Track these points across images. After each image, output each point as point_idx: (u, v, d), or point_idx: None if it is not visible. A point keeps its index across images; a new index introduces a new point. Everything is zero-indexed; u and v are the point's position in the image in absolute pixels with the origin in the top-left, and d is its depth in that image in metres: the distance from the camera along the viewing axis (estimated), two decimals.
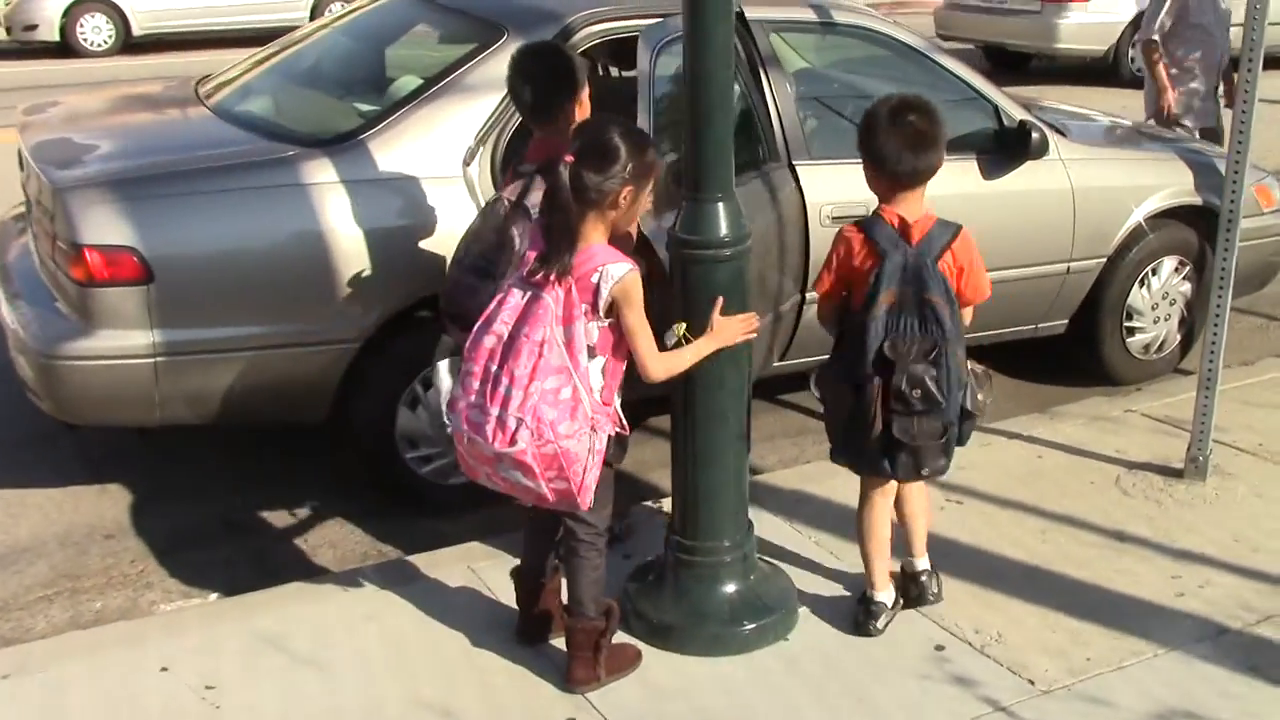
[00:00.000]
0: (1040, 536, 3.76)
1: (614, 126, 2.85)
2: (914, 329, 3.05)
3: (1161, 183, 5.15)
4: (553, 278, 2.74)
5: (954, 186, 4.62)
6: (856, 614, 3.31)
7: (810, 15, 4.59)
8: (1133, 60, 12.56)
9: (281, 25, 13.01)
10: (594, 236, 2.79)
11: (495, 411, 2.73)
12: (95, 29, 16.45)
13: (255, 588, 3.58)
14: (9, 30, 16.91)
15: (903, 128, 3.10)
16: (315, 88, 4.41)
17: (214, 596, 3.73)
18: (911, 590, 3.40)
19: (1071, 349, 5.36)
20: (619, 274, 2.73)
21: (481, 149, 3.99)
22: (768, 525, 3.79)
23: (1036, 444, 4.42)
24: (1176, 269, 5.33)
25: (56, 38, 16.31)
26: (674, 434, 3.21)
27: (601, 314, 2.77)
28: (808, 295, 4.44)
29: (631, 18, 4.21)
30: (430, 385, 4.03)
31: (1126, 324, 5.28)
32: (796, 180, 4.37)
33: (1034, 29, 12.48)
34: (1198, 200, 5.23)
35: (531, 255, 2.81)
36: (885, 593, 3.30)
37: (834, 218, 4.43)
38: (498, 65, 4.00)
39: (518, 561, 3.24)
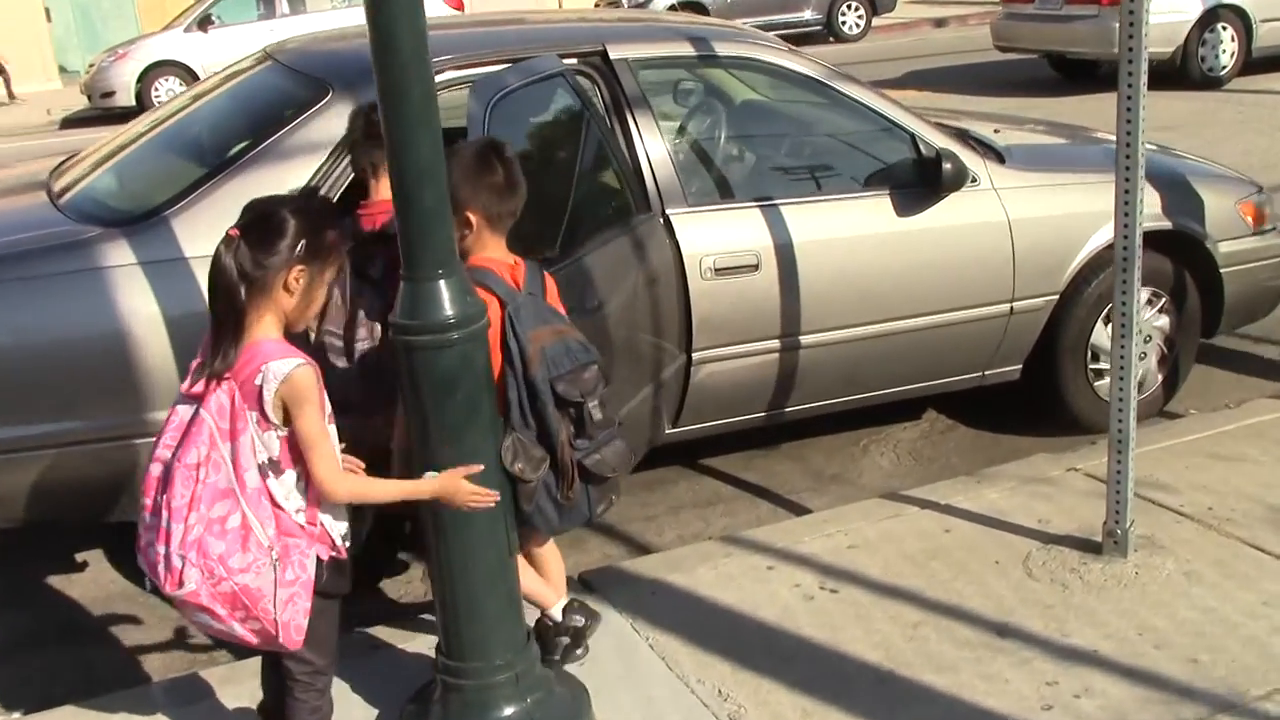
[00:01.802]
0: (910, 633, 3.27)
1: (288, 201, 2.52)
2: None
3: None
4: (212, 384, 2.41)
5: (865, 226, 4.21)
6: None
7: (687, 49, 4.18)
8: (1203, 60, 11.75)
9: None
10: (262, 330, 2.45)
11: (162, 549, 2.41)
12: (169, 91, 16.78)
13: (69, 701, 3.31)
14: (89, 97, 17.39)
15: (493, 173, 2.80)
16: (158, 162, 4.16)
17: (16, 715, 3.48)
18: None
19: (1034, 396, 4.82)
20: (283, 371, 2.38)
21: None
22: (608, 624, 3.39)
23: (951, 514, 3.91)
24: (1149, 302, 4.75)
25: (133, 102, 16.69)
26: (427, 539, 2.84)
27: (277, 421, 2.42)
28: (694, 356, 4.04)
29: (474, 65, 3.87)
30: None
31: (1092, 366, 4.72)
32: (672, 232, 3.97)
33: (1094, 34, 11.74)
34: (1166, 225, 4.65)
35: (195, 363, 2.49)
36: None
37: (718, 269, 4.01)
38: (321, 126, 3.74)
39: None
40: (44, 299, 3.50)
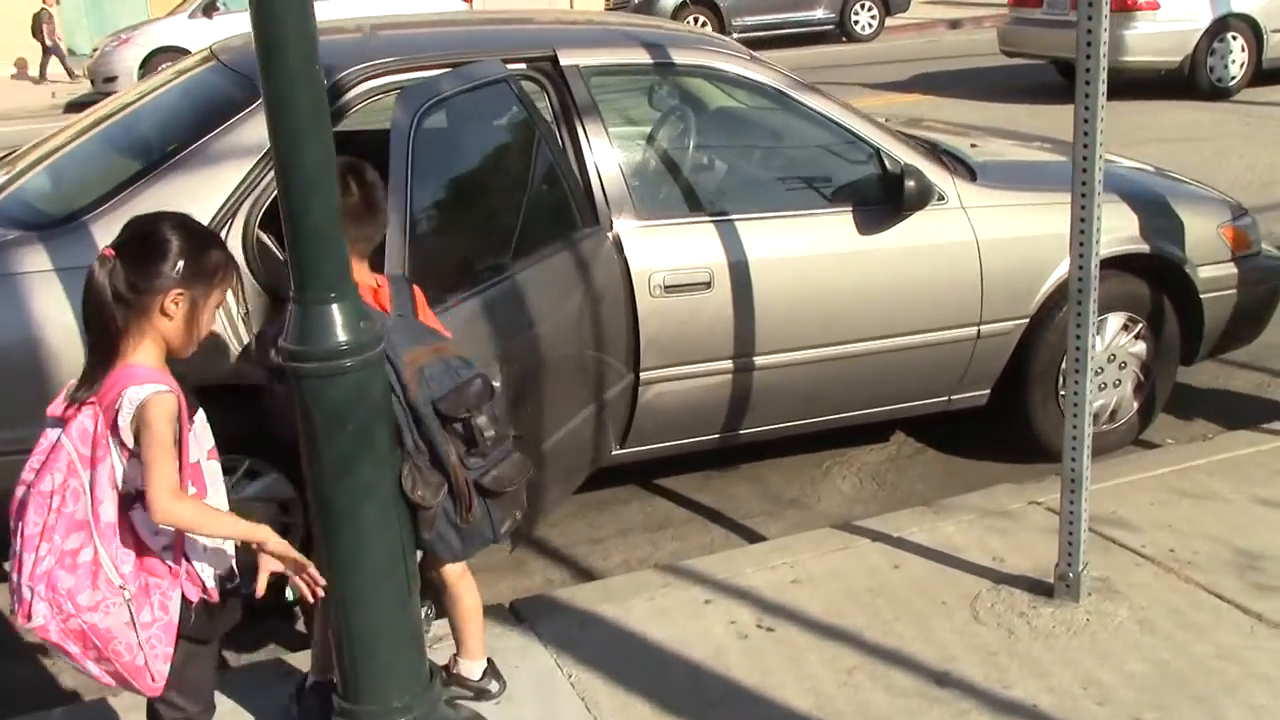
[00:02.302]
0: (844, 679, 3.11)
1: (170, 218, 2.38)
2: None
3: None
4: (78, 409, 2.27)
5: (825, 244, 4.05)
6: None
7: (642, 57, 4.02)
8: (1211, 70, 11.52)
9: None
10: (138, 355, 2.30)
11: (14, 578, 2.27)
12: None
13: None
14: (93, 82, 17.29)
15: (349, 195, 2.66)
16: (89, 163, 4.01)
17: None
18: None
19: (1002, 423, 4.65)
20: (140, 397, 2.23)
21: (230, 222, 3.53)
22: (531, 659, 3.25)
23: (903, 548, 3.75)
24: (1125, 327, 4.58)
25: None
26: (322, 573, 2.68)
27: (134, 449, 2.27)
28: (642, 375, 3.88)
29: (413, 69, 3.71)
30: None
31: (1064, 392, 4.53)
32: (620, 247, 3.81)
33: None
34: (1143, 247, 4.48)
35: (70, 384, 2.34)
36: None
37: (668, 287, 3.85)
38: (251, 130, 3.59)
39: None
40: None
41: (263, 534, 2.38)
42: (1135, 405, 4.71)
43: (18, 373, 3.34)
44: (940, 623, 3.34)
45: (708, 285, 3.93)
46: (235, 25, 16.51)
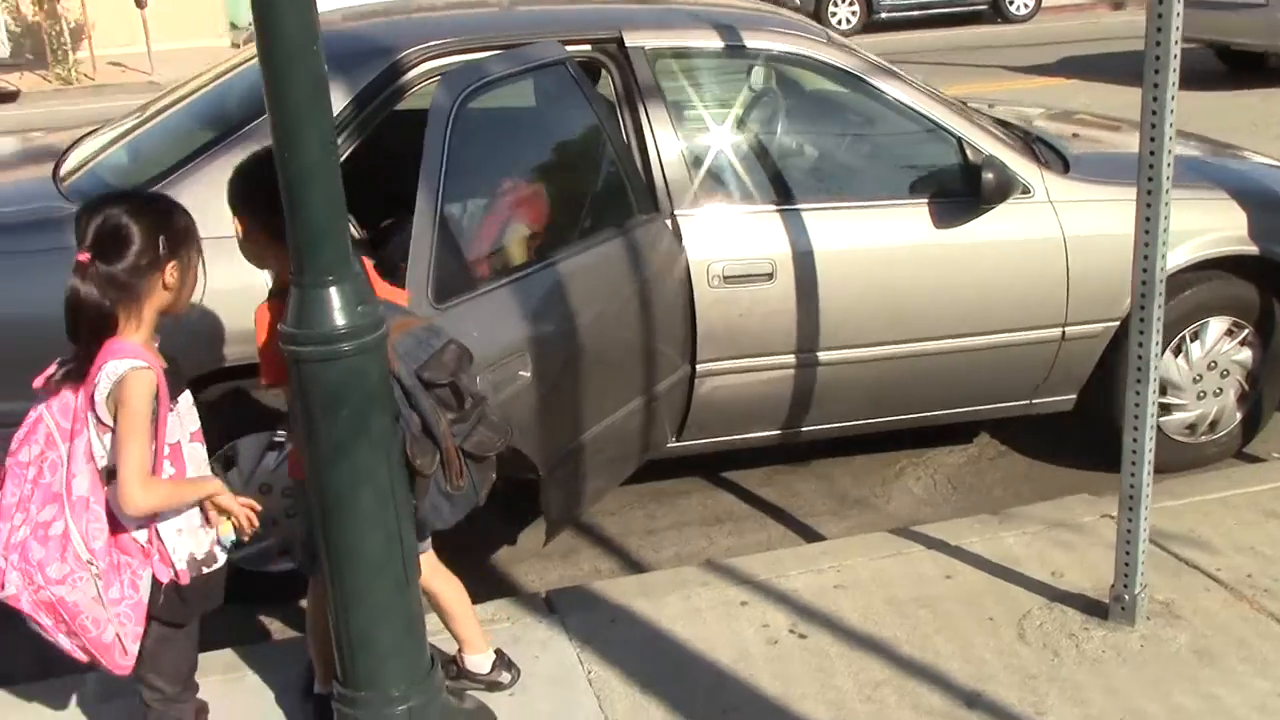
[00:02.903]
0: (869, 694, 2.98)
1: (121, 202, 2.37)
2: None
3: (1200, 227, 4.14)
4: (60, 384, 2.30)
5: (897, 236, 3.91)
6: None
7: (711, 39, 3.90)
8: None
9: None
10: (126, 331, 2.32)
11: None
12: None
13: None
14: None
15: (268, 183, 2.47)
16: (161, 140, 4.06)
17: None
18: None
19: (1090, 429, 4.41)
20: (118, 372, 2.25)
21: None
22: (554, 651, 3.21)
23: (958, 557, 3.58)
24: (1229, 332, 4.29)
25: None
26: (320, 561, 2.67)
27: (110, 423, 2.28)
28: (699, 367, 3.79)
29: (474, 50, 3.66)
30: (232, 464, 3.64)
31: (1159, 399, 4.27)
32: (679, 236, 3.72)
33: (1260, 25, 10.91)
34: (1251, 249, 4.19)
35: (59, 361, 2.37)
36: None
37: (727, 277, 3.75)
38: None
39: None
40: (16, 275, 3.44)
41: (211, 486, 2.38)
42: (1238, 416, 4.42)
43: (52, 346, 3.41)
44: (983, 640, 3.18)
45: (770, 277, 3.81)
46: None
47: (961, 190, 3.94)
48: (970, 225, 3.95)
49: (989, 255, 3.97)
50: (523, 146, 3.55)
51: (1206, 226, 4.15)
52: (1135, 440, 3.05)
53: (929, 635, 3.20)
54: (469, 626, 3.02)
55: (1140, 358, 3.00)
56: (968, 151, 3.95)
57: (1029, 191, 4.00)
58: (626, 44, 3.80)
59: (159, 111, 4.25)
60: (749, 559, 3.68)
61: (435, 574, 2.97)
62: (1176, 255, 4.09)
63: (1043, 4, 20.30)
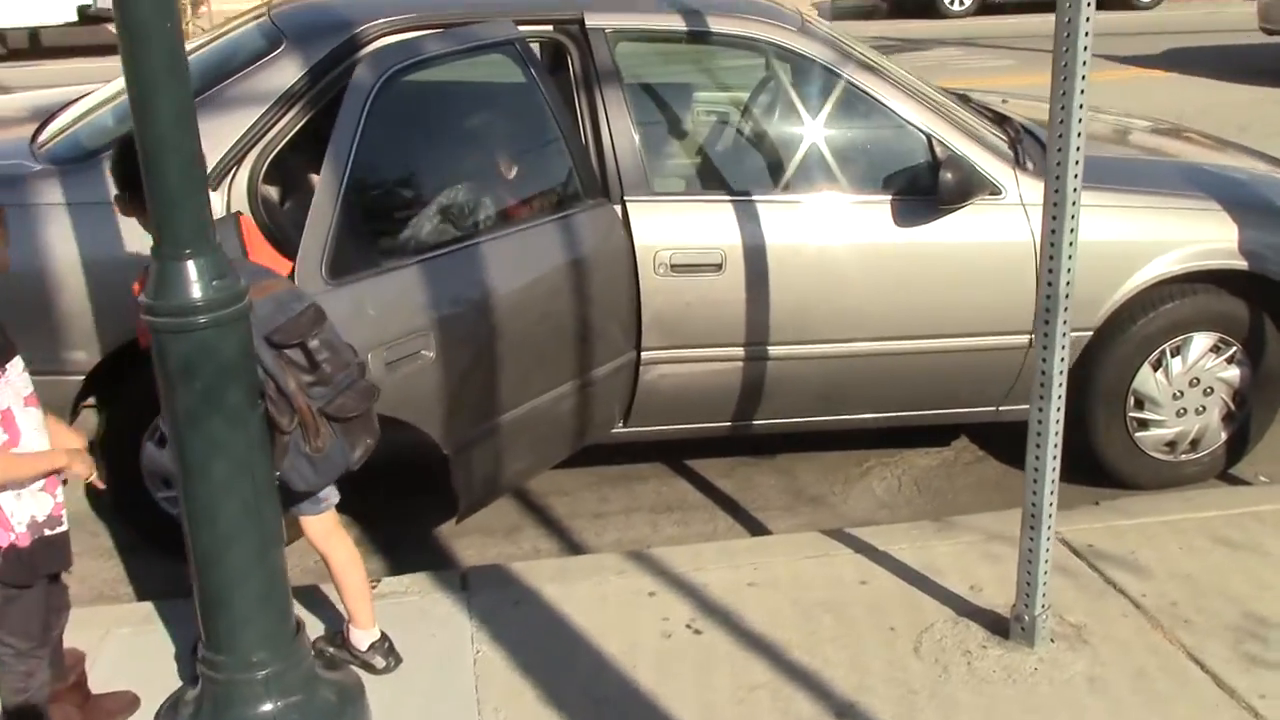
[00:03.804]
0: (743, 696, 2.95)
1: None
2: None
3: (1183, 238, 3.98)
4: None
5: (855, 233, 3.84)
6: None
7: (675, 22, 3.85)
8: None
9: None
10: None
11: None
12: None
13: None
14: None
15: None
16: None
17: None
18: None
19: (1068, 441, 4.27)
20: None
21: (236, 169, 3.61)
22: (451, 630, 3.24)
23: (881, 564, 3.51)
24: (1215, 349, 4.11)
25: None
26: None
27: None
28: (644, 355, 3.78)
29: (432, 26, 3.67)
30: None
31: (1135, 414, 4.14)
32: (626, 221, 3.70)
33: None
34: (1239, 263, 4.01)
35: None
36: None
37: (675, 266, 3.72)
38: (265, 79, 3.66)
39: None
40: None
41: (61, 459, 2.45)
42: (1223, 436, 4.24)
43: (21, 300, 3.53)
44: (876, 650, 3.12)
45: (719, 268, 3.76)
46: None
47: (927, 188, 3.84)
48: (934, 225, 3.85)
49: (953, 256, 3.87)
50: (457, 127, 3.56)
51: (1192, 237, 3.98)
52: (1037, 458, 2.95)
53: (823, 641, 3.15)
54: (356, 600, 3.06)
55: (1044, 373, 2.89)
56: (936, 149, 3.85)
57: (999, 192, 3.88)
58: (588, 25, 3.77)
59: None
60: (673, 550, 3.66)
61: (328, 540, 3.02)
62: (1156, 265, 3.96)
63: None
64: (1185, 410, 4.16)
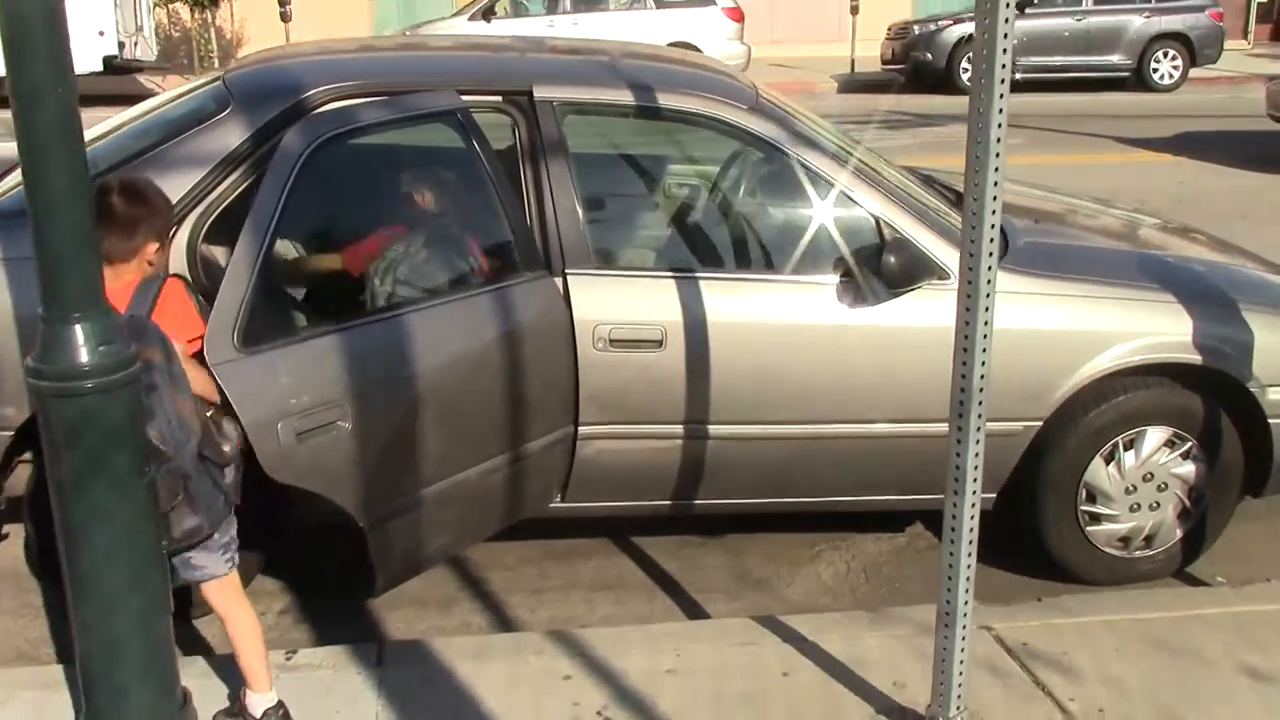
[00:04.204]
0: None
1: None
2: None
3: (1136, 330, 3.91)
4: None
5: (798, 314, 3.80)
6: None
7: (624, 96, 3.83)
8: None
9: None
10: None
11: None
12: None
13: None
14: None
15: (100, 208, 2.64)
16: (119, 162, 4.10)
17: None
18: None
19: (1015, 531, 4.19)
20: None
21: (176, 229, 3.59)
22: (357, 709, 3.17)
23: (808, 655, 3.42)
24: (1169, 443, 4.03)
25: None
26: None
27: None
28: (581, 430, 3.72)
29: (376, 93, 3.67)
30: None
31: (1086, 508, 4.05)
32: (566, 295, 3.66)
33: None
34: (1193, 358, 3.93)
35: None
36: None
37: (614, 341, 3.68)
38: (210, 139, 3.66)
39: None
40: None
41: None
42: (1179, 534, 4.14)
43: None
44: None
45: (659, 344, 3.72)
46: (508, 30, 17.14)
47: (874, 271, 3.79)
48: (879, 308, 3.80)
49: (898, 341, 3.82)
50: (391, 196, 3.54)
51: (1144, 329, 3.92)
52: (952, 554, 2.87)
53: None
54: (253, 663, 3.01)
55: (958, 468, 2.82)
56: (884, 231, 3.81)
57: (947, 277, 3.83)
58: (535, 97, 3.76)
59: (105, 134, 4.34)
60: (597, 631, 3.59)
61: (230, 603, 2.99)
62: (1104, 358, 3.89)
63: (1190, 75, 19.55)
64: (1139, 505, 4.07)
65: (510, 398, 3.56)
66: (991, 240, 2.67)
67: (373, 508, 3.25)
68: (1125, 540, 4.12)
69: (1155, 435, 4.01)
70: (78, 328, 2.45)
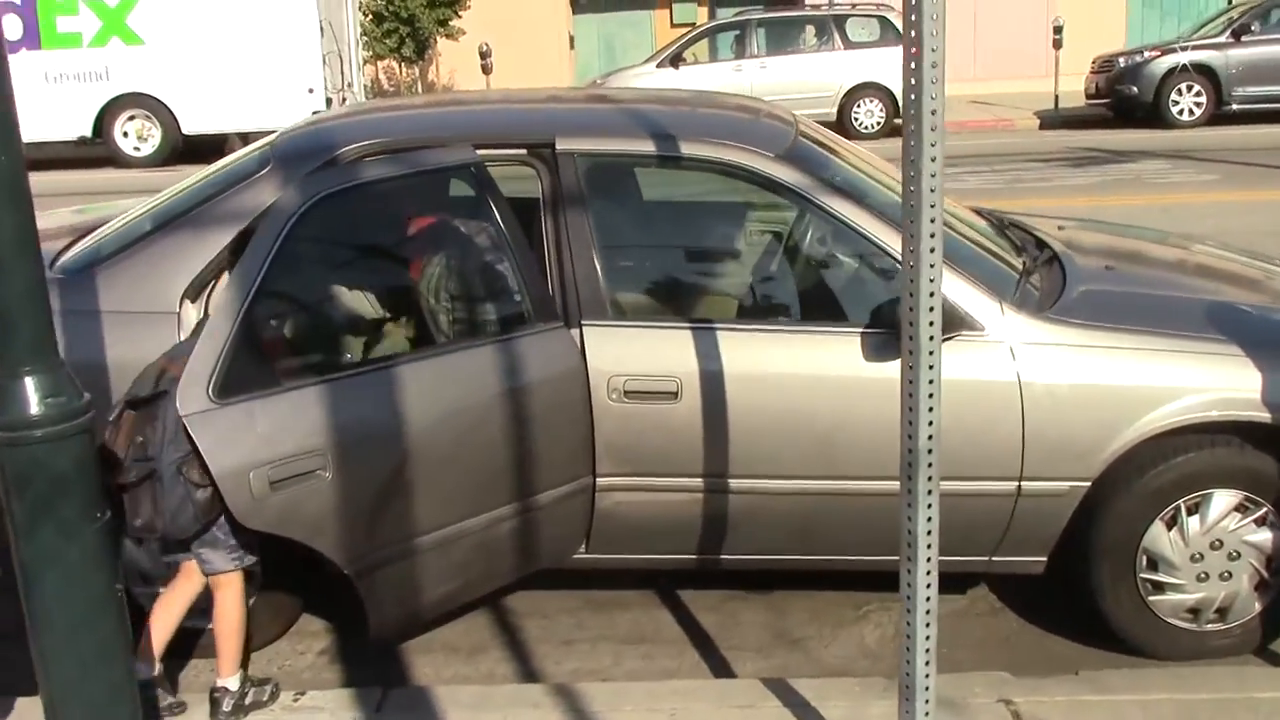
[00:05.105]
0: None
1: None
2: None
3: (1192, 385, 3.63)
4: None
5: (821, 366, 3.72)
6: None
7: (646, 147, 3.81)
8: None
9: None
10: None
11: None
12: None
13: None
14: None
15: None
16: (138, 223, 4.27)
17: None
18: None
19: (1072, 599, 3.93)
20: None
21: (215, 281, 3.77)
22: None
23: None
24: (1240, 509, 3.71)
25: None
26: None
27: None
28: (599, 481, 3.72)
29: (401, 150, 3.77)
30: None
31: (1146, 575, 3.77)
32: (582, 346, 3.67)
33: None
34: (1261, 416, 3.62)
35: None
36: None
37: (629, 393, 3.66)
38: (249, 197, 3.82)
39: None
40: None
41: None
42: (1257, 606, 3.80)
43: None
44: None
45: (675, 395, 3.67)
46: (696, 76, 17.32)
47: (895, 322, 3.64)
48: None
49: None
50: (394, 251, 3.61)
51: (1204, 385, 3.63)
52: (909, 624, 2.72)
53: None
54: (223, 649, 3.40)
55: (910, 533, 2.68)
56: None
57: (980, 329, 3.65)
58: (558, 149, 3.79)
59: (158, 203, 4.53)
60: (598, 686, 3.55)
61: (225, 596, 3.38)
62: (1156, 415, 3.62)
63: None
64: (1207, 575, 3.75)
65: (519, 448, 3.57)
66: (932, 295, 2.53)
67: (360, 555, 3.31)
68: (1194, 612, 3.80)
69: (1223, 499, 3.70)
70: (27, 380, 2.60)
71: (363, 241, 3.64)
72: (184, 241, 3.81)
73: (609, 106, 4.13)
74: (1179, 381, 3.64)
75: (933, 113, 2.40)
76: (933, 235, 2.48)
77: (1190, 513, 3.71)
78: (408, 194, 3.58)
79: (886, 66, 17.60)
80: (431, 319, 3.55)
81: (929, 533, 2.67)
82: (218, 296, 3.16)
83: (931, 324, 2.55)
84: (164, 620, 3.44)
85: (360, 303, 3.53)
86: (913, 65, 2.38)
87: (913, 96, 2.39)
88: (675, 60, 17.89)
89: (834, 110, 17.63)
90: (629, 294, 3.80)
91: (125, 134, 17.23)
